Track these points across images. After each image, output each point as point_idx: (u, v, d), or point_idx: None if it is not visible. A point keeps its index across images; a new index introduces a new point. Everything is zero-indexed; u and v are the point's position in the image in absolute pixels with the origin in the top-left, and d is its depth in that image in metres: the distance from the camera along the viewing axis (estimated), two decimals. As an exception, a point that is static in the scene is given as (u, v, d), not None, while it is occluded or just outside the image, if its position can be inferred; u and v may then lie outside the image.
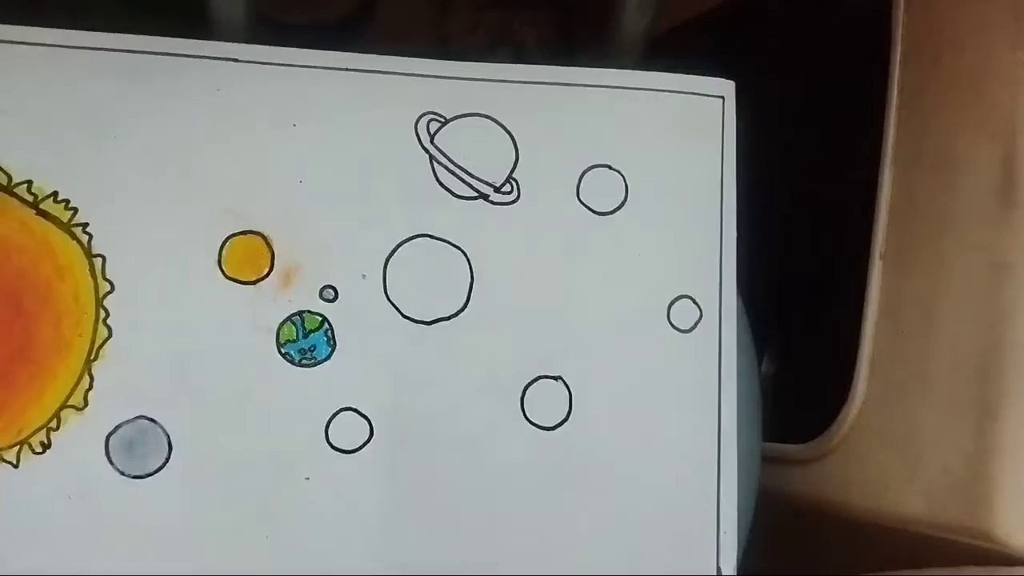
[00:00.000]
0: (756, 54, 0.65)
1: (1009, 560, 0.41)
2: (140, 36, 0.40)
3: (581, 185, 0.42)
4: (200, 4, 0.42)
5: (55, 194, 0.38)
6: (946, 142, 0.46)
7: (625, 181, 0.43)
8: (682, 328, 0.42)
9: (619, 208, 0.42)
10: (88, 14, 0.40)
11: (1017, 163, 0.43)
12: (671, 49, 0.46)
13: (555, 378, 0.41)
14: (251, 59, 0.41)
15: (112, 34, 0.40)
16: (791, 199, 0.63)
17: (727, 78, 0.45)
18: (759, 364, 0.47)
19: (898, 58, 0.50)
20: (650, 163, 0.43)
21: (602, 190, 0.42)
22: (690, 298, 0.42)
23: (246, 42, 0.41)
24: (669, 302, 0.42)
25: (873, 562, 0.45)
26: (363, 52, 0.42)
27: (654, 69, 0.44)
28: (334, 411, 0.39)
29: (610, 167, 0.42)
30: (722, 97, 0.44)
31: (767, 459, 0.46)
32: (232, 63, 0.40)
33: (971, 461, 0.42)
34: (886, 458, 0.47)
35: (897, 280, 0.48)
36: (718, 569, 0.40)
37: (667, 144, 0.43)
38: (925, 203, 0.47)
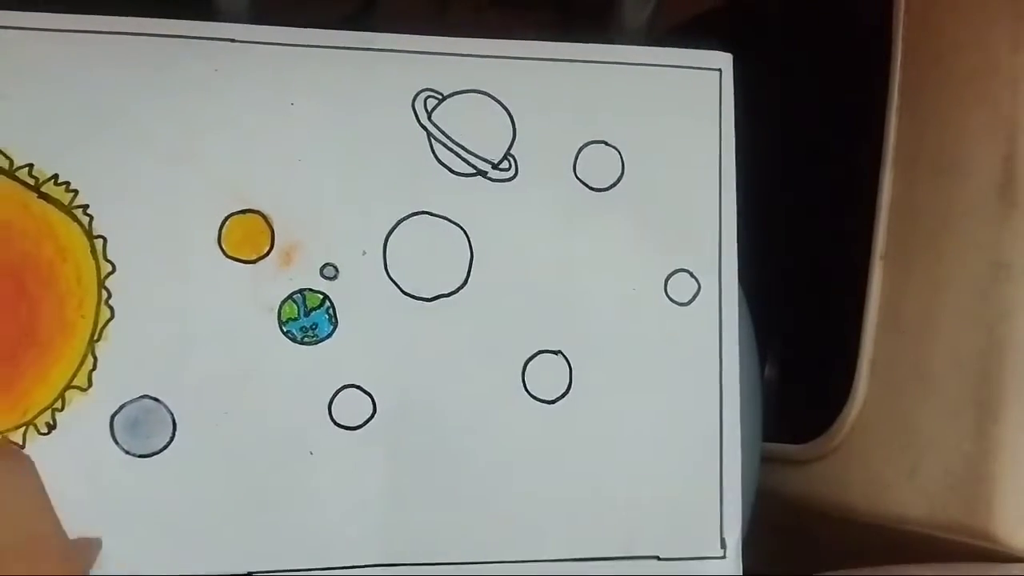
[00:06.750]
0: (756, 55, 0.65)
1: (1008, 559, 0.41)
2: (138, 19, 0.40)
3: (578, 161, 0.42)
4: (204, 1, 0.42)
5: (55, 177, 0.38)
6: (946, 142, 0.46)
7: (621, 157, 0.43)
8: (680, 301, 0.42)
9: (616, 184, 0.42)
10: (96, 3, 0.40)
11: (1017, 163, 0.43)
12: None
13: (555, 352, 0.41)
14: (248, 39, 0.41)
15: (110, 17, 0.40)
16: (791, 199, 0.62)
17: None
18: (760, 364, 0.47)
19: (898, 59, 0.50)
20: (646, 138, 0.43)
21: (598, 166, 0.42)
22: (688, 271, 0.43)
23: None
24: (666, 275, 0.42)
25: (873, 561, 0.44)
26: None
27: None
28: (337, 388, 0.39)
29: (606, 143, 0.43)
30: (719, 70, 0.44)
31: (767, 459, 0.46)
32: (229, 43, 0.40)
33: (971, 461, 0.42)
34: (886, 458, 0.47)
35: (897, 280, 0.48)
36: (722, 539, 0.40)
37: (663, 118, 0.43)
38: (925, 203, 0.47)
